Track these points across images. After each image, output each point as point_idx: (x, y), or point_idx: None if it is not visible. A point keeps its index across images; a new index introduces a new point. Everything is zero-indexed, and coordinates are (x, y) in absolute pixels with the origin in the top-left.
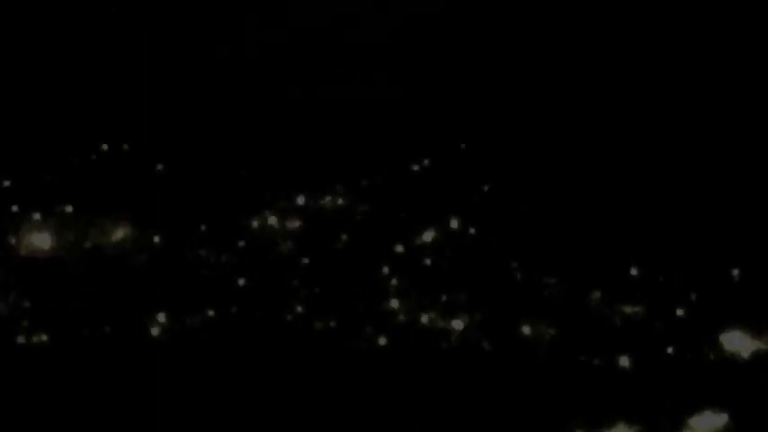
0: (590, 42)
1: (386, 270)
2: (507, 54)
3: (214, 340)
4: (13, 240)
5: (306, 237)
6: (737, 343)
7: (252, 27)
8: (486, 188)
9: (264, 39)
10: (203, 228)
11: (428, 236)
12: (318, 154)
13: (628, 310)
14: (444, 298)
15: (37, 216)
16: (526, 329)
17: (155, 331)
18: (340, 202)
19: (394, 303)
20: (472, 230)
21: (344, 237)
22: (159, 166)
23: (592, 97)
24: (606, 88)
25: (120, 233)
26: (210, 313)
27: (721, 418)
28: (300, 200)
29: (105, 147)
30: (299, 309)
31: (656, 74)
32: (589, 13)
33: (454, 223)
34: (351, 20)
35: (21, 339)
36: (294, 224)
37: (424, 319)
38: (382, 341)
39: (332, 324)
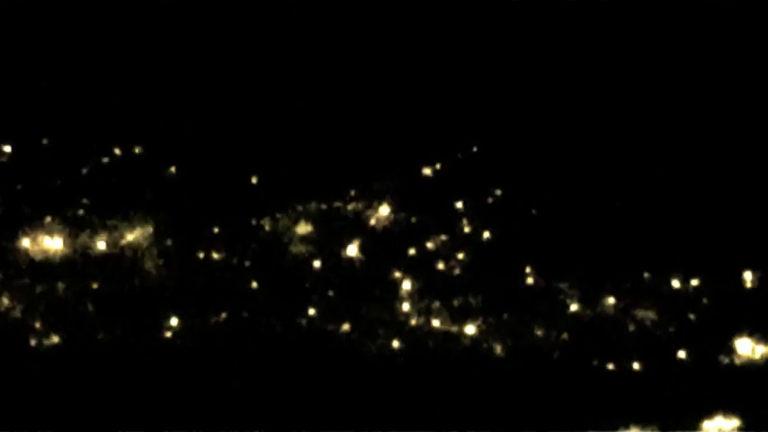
0: (609, 44)
1: (398, 274)
2: (521, 55)
3: (226, 343)
4: (24, 243)
5: (318, 240)
6: (751, 348)
7: (262, 29)
8: (498, 192)
9: (277, 42)
10: (216, 231)
11: (440, 240)
12: (330, 157)
13: (641, 314)
14: (457, 302)
15: (48, 219)
16: (539, 334)
17: (167, 334)
18: (352, 205)
19: (406, 307)
20: (485, 234)
21: (357, 240)
22: (171, 169)
23: (606, 104)
24: (621, 96)
25: (131, 236)
26: (223, 316)
27: (733, 423)
28: (313, 203)
29: (117, 150)
30: (312, 312)
31: (674, 83)
32: (610, 15)
33: (467, 227)
34: (361, 19)
35: (32, 342)
36: (306, 227)
37: (436, 323)
38: (395, 345)
39: (344, 328)
